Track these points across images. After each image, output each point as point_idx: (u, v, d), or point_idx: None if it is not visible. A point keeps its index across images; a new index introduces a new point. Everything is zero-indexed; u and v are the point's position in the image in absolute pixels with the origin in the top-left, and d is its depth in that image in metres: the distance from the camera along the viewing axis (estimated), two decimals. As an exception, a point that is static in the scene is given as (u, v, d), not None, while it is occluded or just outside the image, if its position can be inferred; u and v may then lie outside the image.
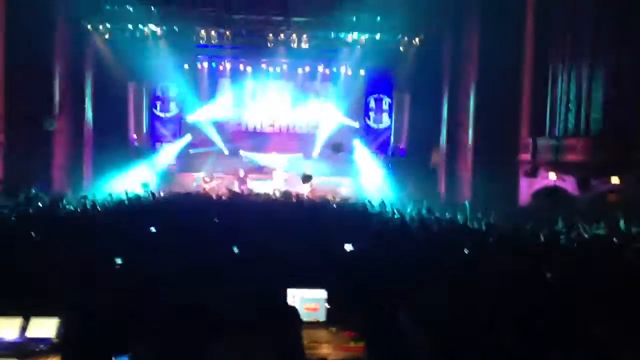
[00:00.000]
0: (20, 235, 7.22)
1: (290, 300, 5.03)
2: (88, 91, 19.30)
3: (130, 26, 19.05)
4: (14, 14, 16.13)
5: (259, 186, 20.37)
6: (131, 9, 18.69)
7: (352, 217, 11.13)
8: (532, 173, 16.76)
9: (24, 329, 4.42)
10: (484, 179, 17.09)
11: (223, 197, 16.01)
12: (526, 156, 16.74)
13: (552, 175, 15.88)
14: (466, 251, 6.99)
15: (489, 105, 17.23)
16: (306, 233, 7.70)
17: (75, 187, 17.65)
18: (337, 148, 18.20)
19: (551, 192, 15.98)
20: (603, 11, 14.78)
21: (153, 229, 8.28)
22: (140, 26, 19.07)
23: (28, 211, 10.34)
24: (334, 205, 14.27)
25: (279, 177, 20.93)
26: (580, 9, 15.25)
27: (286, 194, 16.37)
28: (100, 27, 18.81)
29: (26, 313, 4.42)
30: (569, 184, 15.97)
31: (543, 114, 16.36)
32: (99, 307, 4.15)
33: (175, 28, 19.22)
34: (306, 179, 18.66)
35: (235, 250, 6.73)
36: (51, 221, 8.78)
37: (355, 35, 19.47)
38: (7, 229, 8.20)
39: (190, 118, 22.13)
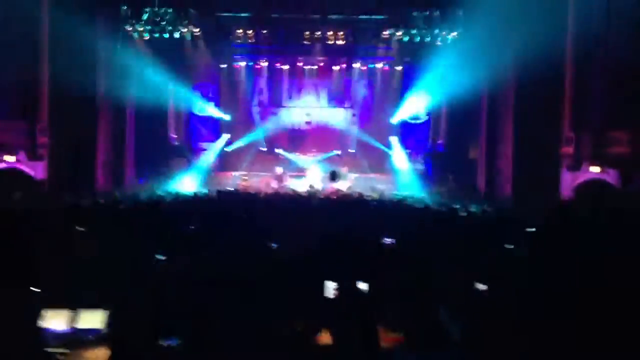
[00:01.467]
0: (69, 228, 7.40)
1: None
2: (130, 89, 19.66)
3: (169, 28, 19.36)
4: (56, 17, 16.55)
5: (297, 184, 20.44)
6: (170, 11, 18.99)
7: (390, 212, 11.10)
8: (575, 166, 16.45)
9: (73, 320, 4.54)
10: (525, 173, 16.83)
11: (261, 194, 16.18)
12: (568, 149, 16.42)
13: (595, 169, 15.54)
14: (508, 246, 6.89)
15: (529, 98, 16.92)
16: (339, 229, 7.71)
17: (118, 185, 18.08)
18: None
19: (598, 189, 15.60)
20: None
21: (192, 227, 8.40)
22: (179, 27, 19.36)
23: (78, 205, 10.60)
24: (370, 201, 14.26)
25: (313, 174, 20.93)
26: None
27: (310, 192, 16.37)
28: (140, 29, 19.15)
29: (75, 305, 4.55)
30: (612, 178, 15.62)
31: (585, 106, 16.01)
32: (144, 300, 4.25)
33: (213, 29, 19.44)
34: (333, 176, 18.58)
35: (274, 245, 6.80)
36: (105, 216, 9.02)
37: (391, 31, 19.36)
38: (56, 222, 8.42)
39: (227, 117, 22.38)
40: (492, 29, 18.43)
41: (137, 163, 20.03)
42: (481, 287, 5.01)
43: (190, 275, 5.24)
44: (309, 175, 20.87)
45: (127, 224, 8.10)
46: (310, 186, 18.41)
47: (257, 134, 22.31)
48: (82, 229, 7.33)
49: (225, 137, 22.37)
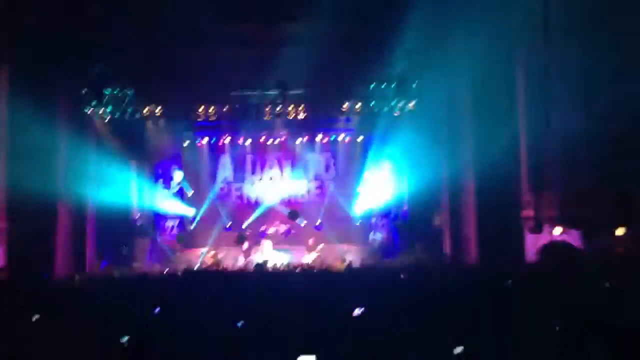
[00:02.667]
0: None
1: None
2: (90, 174, 19.50)
3: (129, 108, 19.44)
4: (14, 102, 16.53)
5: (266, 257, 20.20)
6: (130, 92, 19.15)
7: (360, 282, 10.99)
8: (537, 229, 16.70)
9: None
10: (489, 238, 17.04)
11: (228, 269, 15.92)
12: (529, 212, 16.72)
13: (557, 230, 15.80)
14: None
15: (488, 163, 17.35)
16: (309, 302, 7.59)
17: (78, 268, 17.59)
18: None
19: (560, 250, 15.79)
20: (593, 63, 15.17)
21: (157, 309, 8.15)
22: (139, 107, 19.45)
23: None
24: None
25: (267, 248, 20.82)
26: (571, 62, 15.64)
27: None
28: (100, 111, 19.18)
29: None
30: (574, 238, 15.87)
31: (542, 169, 16.46)
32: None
33: (174, 107, 19.61)
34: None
35: (239, 324, 6.63)
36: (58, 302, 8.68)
37: (350, 103, 19.83)
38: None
39: (191, 194, 22.27)
40: (449, 99, 19.16)
41: (99, 245, 19.60)
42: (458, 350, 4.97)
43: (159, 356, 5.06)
44: (264, 249, 20.71)
45: (88, 308, 7.83)
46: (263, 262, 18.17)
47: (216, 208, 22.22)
48: (37, 316, 7.05)
49: (189, 212, 22.19)
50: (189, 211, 22.19)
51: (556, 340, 5.05)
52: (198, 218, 22.10)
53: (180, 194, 22.36)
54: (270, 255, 20.36)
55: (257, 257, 20.22)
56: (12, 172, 16.45)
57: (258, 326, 6.36)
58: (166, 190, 22.33)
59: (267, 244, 20.97)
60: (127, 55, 17.70)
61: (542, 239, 16.50)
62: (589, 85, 15.28)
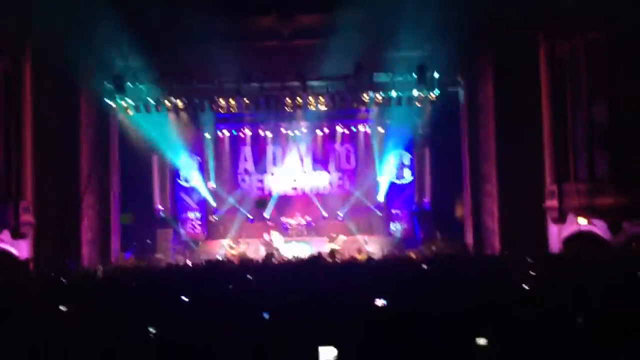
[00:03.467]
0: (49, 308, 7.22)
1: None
2: (114, 166, 19.75)
3: (151, 101, 19.59)
4: (39, 96, 16.74)
5: (286, 250, 20.31)
6: (152, 85, 19.30)
7: (381, 272, 10.98)
8: (561, 219, 16.52)
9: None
10: (512, 229, 16.90)
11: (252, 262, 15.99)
12: (553, 202, 16.53)
13: (582, 220, 15.60)
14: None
15: (510, 154, 17.20)
16: (332, 293, 7.61)
17: (104, 260, 17.85)
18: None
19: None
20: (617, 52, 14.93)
21: (185, 299, 8.23)
22: (162, 100, 19.60)
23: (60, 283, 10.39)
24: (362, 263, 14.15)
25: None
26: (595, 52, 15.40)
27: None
28: (123, 104, 19.36)
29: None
30: (600, 229, 15.68)
31: (566, 159, 16.25)
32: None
33: (196, 100, 19.70)
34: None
35: (266, 316, 6.66)
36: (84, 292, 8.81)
37: (370, 94, 19.73)
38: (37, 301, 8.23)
39: (213, 186, 22.44)
40: (470, 89, 18.98)
41: (123, 236, 19.89)
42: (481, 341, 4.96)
43: (186, 347, 5.11)
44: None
45: (113, 299, 7.93)
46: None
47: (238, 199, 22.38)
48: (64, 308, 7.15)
49: (211, 205, 22.39)
50: (211, 203, 22.38)
51: (580, 334, 5.00)
52: (222, 212, 22.29)
53: (202, 185, 22.52)
54: (280, 244, 20.55)
55: (265, 247, 20.40)
56: (38, 167, 16.68)
57: (280, 317, 6.39)
58: (188, 182, 22.52)
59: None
60: (150, 50, 17.82)
61: (567, 230, 16.36)
62: (613, 75, 15.03)
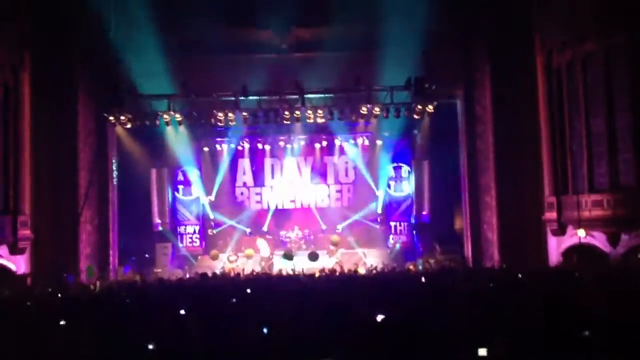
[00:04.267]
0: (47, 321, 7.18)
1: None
2: (112, 180, 19.71)
3: (150, 115, 19.60)
4: (38, 109, 16.72)
5: (283, 264, 20.19)
6: (150, 99, 19.31)
7: (380, 286, 10.94)
8: (560, 231, 16.49)
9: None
10: (511, 241, 16.87)
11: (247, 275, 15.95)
12: (552, 214, 16.50)
13: (581, 232, 15.56)
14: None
15: (509, 166, 17.20)
16: (333, 307, 7.57)
17: (102, 274, 17.76)
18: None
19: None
20: (615, 62, 14.96)
21: (182, 312, 8.19)
22: (160, 114, 19.61)
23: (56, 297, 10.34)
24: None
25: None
26: (591, 65, 15.44)
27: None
28: (122, 117, 19.38)
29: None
30: (599, 241, 15.64)
31: (565, 171, 16.24)
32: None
33: (194, 113, 19.71)
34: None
35: (265, 331, 6.62)
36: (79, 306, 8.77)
37: (368, 106, 19.74)
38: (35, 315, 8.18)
39: (211, 200, 22.40)
40: (468, 101, 19.01)
41: (121, 251, 19.79)
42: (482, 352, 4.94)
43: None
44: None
45: (111, 314, 7.88)
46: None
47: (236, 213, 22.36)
48: (63, 322, 7.10)
49: (209, 219, 22.35)
50: (209, 216, 22.33)
51: (585, 347, 4.96)
52: (222, 228, 22.26)
53: (201, 199, 22.48)
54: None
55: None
56: (36, 182, 16.63)
57: (279, 331, 6.35)
58: (186, 196, 22.49)
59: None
60: (148, 63, 17.84)
61: (566, 242, 16.33)
62: (610, 85, 15.06)
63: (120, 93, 18.71)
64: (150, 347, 5.57)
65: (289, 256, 16.42)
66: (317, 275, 15.38)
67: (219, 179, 22.47)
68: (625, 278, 9.21)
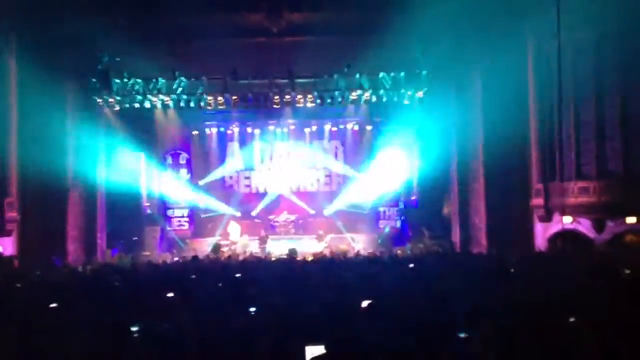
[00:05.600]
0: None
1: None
2: (100, 163, 19.58)
3: (139, 98, 19.48)
4: (25, 92, 16.57)
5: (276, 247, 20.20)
6: (139, 81, 19.17)
7: (367, 270, 11.00)
8: (547, 217, 16.67)
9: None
10: (499, 226, 17.01)
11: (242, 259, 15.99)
12: (539, 201, 16.67)
13: (567, 219, 15.75)
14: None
15: (497, 153, 17.29)
16: (319, 291, 7.63)
17: (89, 257, 17.73)
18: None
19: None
20: (605, 51, 15.05)
21: (171, 294, 8.21)
22: (149, 97, 19.48)
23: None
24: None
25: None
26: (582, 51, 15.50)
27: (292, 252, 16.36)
28: (110, 100, 19.22)
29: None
30: (585, 227, 15.84)
31: (552, 158, 16.36)
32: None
33: (184, 96, 19.60)
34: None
35: (252, 310, 6.68)
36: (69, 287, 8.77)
37: (359, 92, 19.74)
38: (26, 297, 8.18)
39: (201, 183, 22.37)
40: (458, 87, 19.02)
41: (109, 234, 19.73)
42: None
43: (170, 343, 5.09)
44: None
45: (101, 296, 7.89)
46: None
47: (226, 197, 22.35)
48: (54, 305, 7.11)
49: (199, 202, 22.31)
50: (198, 200, 22.30)
51: (570, 331, 5.04)
52: (212, 214, 22.24)
53: (190, 182, 22.44)
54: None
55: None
56: (23, 164, 16.53)
57: (267, 314, 6.40)
58: (175, 179, 22.43)
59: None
60: (137, 46, 17.68)
61: (553, 228, 16.51)
62: (600, 74, 15.16)
63: (108, 76, 18.56)
64: (136, 328, 5.59)
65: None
66: (309, 259, 15.46)
67: (208, 162, 22.43)
68: (612, 265, 9.34)
